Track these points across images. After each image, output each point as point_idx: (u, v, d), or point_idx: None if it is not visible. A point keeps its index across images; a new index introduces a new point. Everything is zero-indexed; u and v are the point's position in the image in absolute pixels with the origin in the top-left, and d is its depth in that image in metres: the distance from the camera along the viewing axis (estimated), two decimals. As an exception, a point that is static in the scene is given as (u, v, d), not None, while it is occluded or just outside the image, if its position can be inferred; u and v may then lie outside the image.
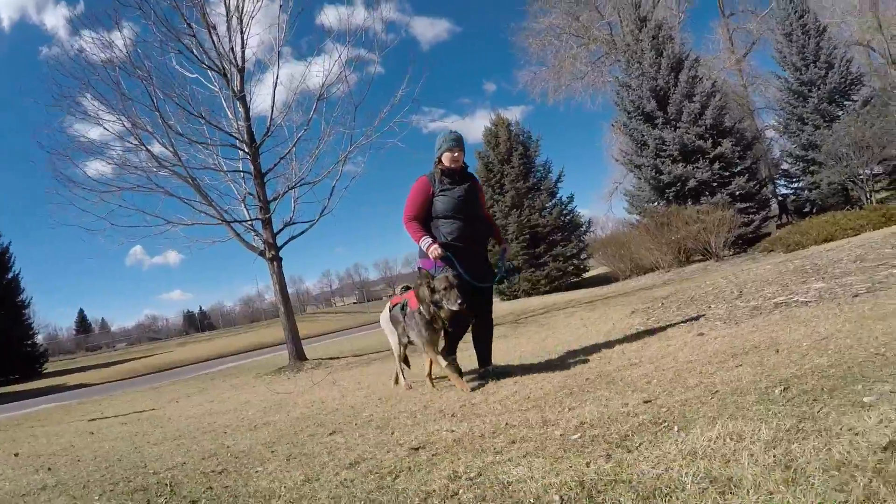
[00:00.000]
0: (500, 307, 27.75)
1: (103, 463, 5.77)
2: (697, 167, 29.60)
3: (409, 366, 8.15)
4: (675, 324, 8.65)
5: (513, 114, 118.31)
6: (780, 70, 38.64)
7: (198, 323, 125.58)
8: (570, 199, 40.64)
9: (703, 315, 8.61)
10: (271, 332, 54.32)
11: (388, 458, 3.97)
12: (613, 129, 35.48)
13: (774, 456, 2.64)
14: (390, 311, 7.57)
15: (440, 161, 7.15)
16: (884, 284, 7.14)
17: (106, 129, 16.63)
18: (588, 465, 3.06)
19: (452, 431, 4.45)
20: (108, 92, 16.40)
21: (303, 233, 17.92)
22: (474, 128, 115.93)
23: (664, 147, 30.65)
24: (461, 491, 3.09)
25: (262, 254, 17.20)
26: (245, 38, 17.40)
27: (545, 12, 50.63)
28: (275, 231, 17.39)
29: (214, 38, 16.94)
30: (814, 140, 33.14)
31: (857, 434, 2.64)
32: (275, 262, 17.31)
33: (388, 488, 3.33)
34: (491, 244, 7.75)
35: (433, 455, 3.86)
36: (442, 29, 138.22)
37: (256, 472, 4.31)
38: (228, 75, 17.15)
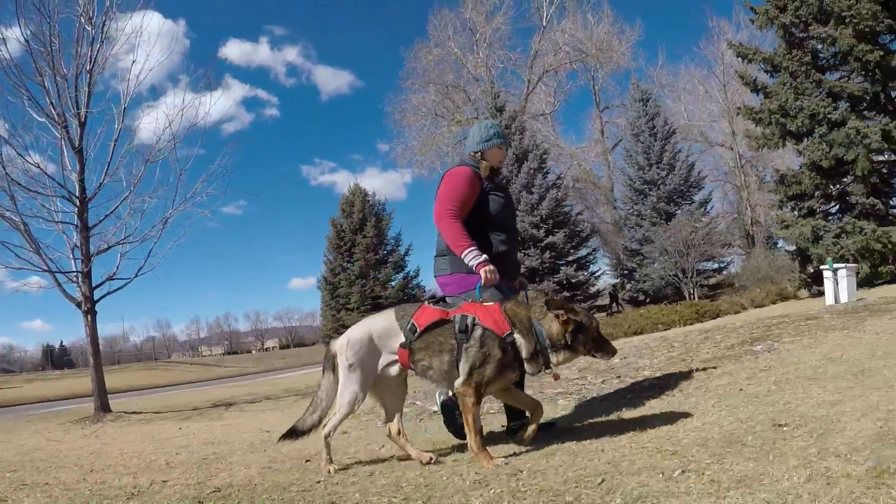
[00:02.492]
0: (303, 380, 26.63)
1: None
2: (528, 254, 30.35)
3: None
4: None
5: (402, 176, 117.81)
6: (627, 167, 40.40)
7: (55, 359, 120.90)
8: (417, 273, 41.47)
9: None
10: (128, 377, 52.71)
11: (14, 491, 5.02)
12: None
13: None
14: (419, 330, 4.74)
15: (482, 156, 5.59)
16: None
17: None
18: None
19: (84, 480, 5.40)
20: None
21: (119, 289, 18.08)
22: (365, 185, 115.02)
23: (497, 234, 30.58)
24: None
25: (78, 305, 17.37)
26: (91, 91, 17.72)
27: (421, 89, 52.28)
28: (94, 284, 17.56)
29: (61, 88, 17.23)
30: (649, 236, 34.60)
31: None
32: (89, 315, 17.47)
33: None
34: None
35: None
36: (344, 81, 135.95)
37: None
38: (69, 127, 17.43)
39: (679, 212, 35.15)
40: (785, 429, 4.07)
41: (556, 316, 4.60)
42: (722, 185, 53.21)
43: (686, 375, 7.03)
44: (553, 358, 4.63)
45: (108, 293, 17.83)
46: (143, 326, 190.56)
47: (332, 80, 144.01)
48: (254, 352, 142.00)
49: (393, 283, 39.89)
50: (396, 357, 4.83)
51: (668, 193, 36.51)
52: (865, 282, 20.39)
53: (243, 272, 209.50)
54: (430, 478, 4.20)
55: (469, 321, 4.61)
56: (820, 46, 22.48)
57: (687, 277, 30.58)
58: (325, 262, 40.86)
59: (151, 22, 17.77)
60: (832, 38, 20.83)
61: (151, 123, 18.13)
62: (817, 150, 21.04)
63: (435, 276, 5.57)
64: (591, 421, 5.68)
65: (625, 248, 39.08)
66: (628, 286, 39.00)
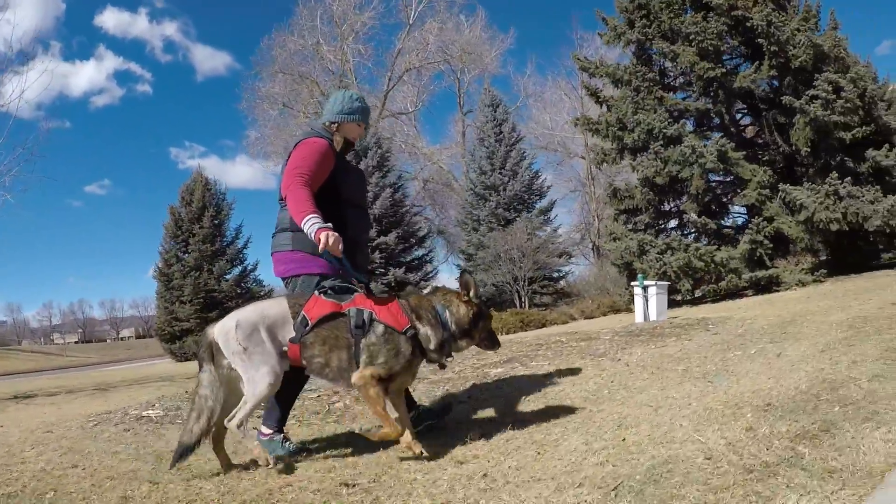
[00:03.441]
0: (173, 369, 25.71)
1: None
2: (357, 254, 28.76)
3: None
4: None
5: (276, 166, 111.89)
6: (469, 171, 39.85)
7: None
8: (255, 266, 39.67)
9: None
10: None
11: None
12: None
13: None
14: (311, 323, 4.22)
15: (338, 128, 5.03)
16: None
17: None
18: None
19: None
20: None
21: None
22: (234, 173, 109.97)
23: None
24: None
25: None
26: None
27: (272, 78, 50.03)
28: None
29: None
30: (485, 242, 33.40)
31: None
32: None
33: None
34: None
35: None
36: (222, 63, 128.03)
37: None
38: None
39: (518, 218, 34.25)
40: (344, 491, 3.66)
41: (459, 298, 4.42)
42: (581, 195, 53.43)
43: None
44: (454, 345, 4.43)
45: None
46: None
47: (209, 60, 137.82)
48: (109, 341, 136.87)
49: (228, 277, 37.96)
50: (286, 349, 4.23)
51: (508, 199, 35.56)
52: (692, 300, 19.97)
53: (103, 257, 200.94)
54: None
55: (366, 316, 4.23)
56: (669, 65, 21.98)
57: (519, 285, 29.81)
58: (161, 251, 38.36)
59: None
60: (674, 53, 20.29)
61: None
62: (651, 167, 20.41)
63: (272, 252, 4.95)
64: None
65: (461, 252, 38.19)
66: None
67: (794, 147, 19.28)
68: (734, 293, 19.39)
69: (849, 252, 19.62)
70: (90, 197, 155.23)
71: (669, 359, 7.10)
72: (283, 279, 4.90)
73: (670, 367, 6.52)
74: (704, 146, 19.05)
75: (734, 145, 19.36)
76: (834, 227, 17.70)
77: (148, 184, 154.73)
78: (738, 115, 22.55)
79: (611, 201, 23.11)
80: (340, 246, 4.37)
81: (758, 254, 18.82)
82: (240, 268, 39.21)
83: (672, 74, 22.47)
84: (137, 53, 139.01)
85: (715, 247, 19.36)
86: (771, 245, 18.96)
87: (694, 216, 20.28)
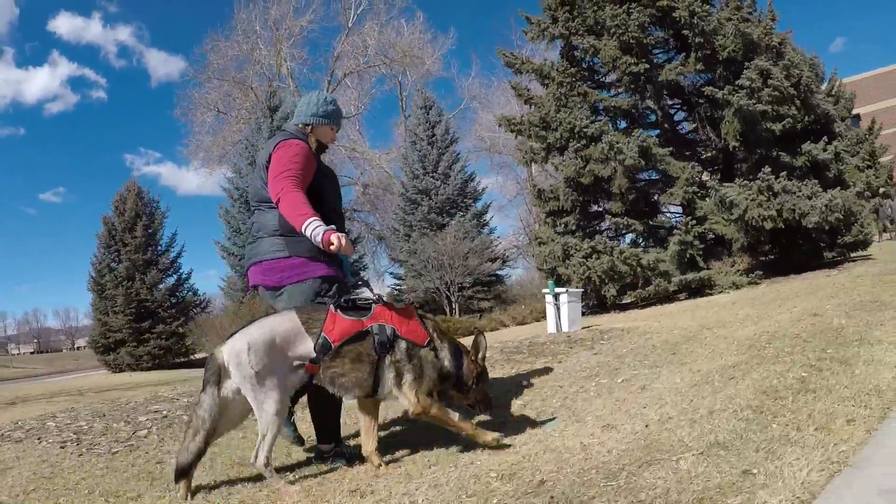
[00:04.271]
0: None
1: None
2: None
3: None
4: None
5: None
6: (402, 175, 38.36)
7: None
8: (189, 275, 38.29)
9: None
10: None
11: None
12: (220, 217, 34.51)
13: None
14: (334, 347, 3.92)
15: (312, 130, 4.65)
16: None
17: None
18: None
19: None
20: None
21: None
22: (188, 179, 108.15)
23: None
24: None
25: None
26: None
27: (205, 83, 48.14)
28: None
29: None
30: (417, 247, 32.24)
31: None
32: None
33: None
34: None
35: None
36: (176, 68, 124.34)
37: None
38: None
39: (451, 222, 32.94)
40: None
41: (468, 355, 4.32)
42: (523, 197, 52.42)
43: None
44: (449, 393, 4.29)
45: None
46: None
47: (163, 65, 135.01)
48: (64, 351, 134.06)
49: (161, 287, 36.28)
50: (298, 363, 3.93)
51: (440, 203, 34.13)
52: (620, 306, 18.47)
53: (59, 265, 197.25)
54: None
55: (389, 332, 4.02)
56: (598, 60, 20.59)
57: (450, 291, 28.38)
58: (93, 261, 36.64)
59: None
60: (595, 48, 18.88)
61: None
62: (572, 166, 18.99)
63: (257, 262, 4.48)
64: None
65: (393, 260, 36.86)
66: (401, 296, 36.43)
67: (725, 141, 17.98)
68: (666, 297, 17.94)
69: (789, 251, 18.40)
70: (44, 205, 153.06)
71: (519, 389, 6.44)
72: (276, 288, 4.43)
73: (509, 402, 5.87)
74: (625, 142, 17.60)
75: (658, 141, 17.87)
76: (768, 224, 16.25)
77: (103, 191, 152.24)
78: (673, 111, 21.03)
79: (537, 203, 21.75)
80: (350, 246, 4.17)
81: (688, 255, 17.38)
82: (174, 277, 37.67)
83: (602, 71, 21.00)
84: (91, 59, 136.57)
85: (641, 249, 17.92)
86: (702, 246, 17.59)
87: (618, 217, 18.91)
